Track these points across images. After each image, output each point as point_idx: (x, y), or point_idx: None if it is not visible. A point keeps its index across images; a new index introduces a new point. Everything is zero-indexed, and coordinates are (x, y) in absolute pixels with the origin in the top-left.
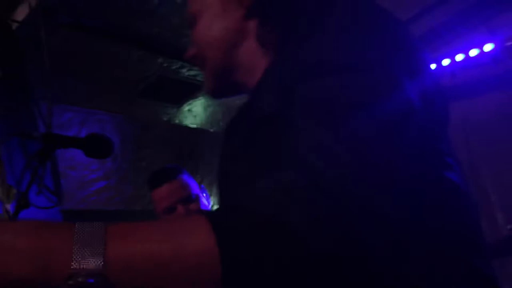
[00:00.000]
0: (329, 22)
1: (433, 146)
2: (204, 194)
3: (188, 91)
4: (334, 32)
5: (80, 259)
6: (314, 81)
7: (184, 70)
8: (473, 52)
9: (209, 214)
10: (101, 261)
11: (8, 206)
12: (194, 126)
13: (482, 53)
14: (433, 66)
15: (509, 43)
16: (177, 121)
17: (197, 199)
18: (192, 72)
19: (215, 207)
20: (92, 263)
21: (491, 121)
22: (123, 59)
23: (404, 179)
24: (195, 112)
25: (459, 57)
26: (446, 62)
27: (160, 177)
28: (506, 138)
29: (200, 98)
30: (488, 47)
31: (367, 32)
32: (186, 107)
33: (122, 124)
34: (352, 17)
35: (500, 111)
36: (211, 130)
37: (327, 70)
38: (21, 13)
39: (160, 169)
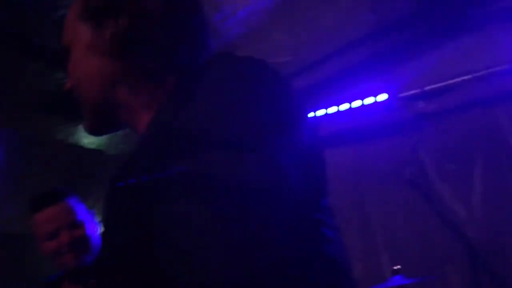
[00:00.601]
0: (205, 82)
1: (309, 218)
2: (94, 219)
3: None
4: (211, 97)
5: None
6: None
7: None
8: (368, 100)
9: None
10: None
11: None
12: (91, 147)
13: (376, 102)
14: (325, 111)
15: (402, 94)
16: (72, 141)
17: (82, 225)
18: None
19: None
20: None
21: (381, 165)
22: (18, 71)
23: (277, 263)
24: None
25: (355, 104)
26: (342, 107)
27: (44, 199)
28: (393, 181)
29: None
30: (382, 97)
31: (246, 98)
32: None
33: (11, 139)
34: (230, 77)
35: (389, 156)
36: (109, 152)
37: (198, 148)
38: None
39: (45, 191)
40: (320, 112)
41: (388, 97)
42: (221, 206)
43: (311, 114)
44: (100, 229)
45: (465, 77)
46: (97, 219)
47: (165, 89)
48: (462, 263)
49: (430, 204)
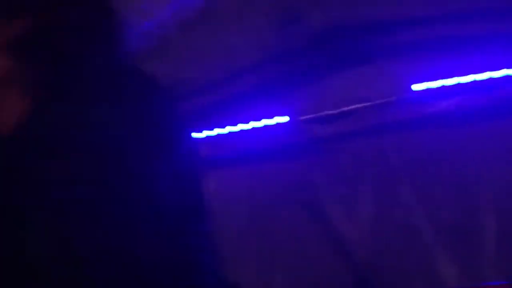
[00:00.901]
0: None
1: (181, 243)
2: None
3: None
4: None
5: None
6: None
7: None
8: (268, 122)
9: None
10: None
11: None
12: None
13: (277, 124)
14: (225, 130)
15: (302, 117)
16: None
17: None
18: None
19: None
20: None
21: (276, 186)
22: None
23: None
24: None
25: (255, 125)
26: (242, 127)
27: None
28: (287, 202)
29: None
30: (283, 119)
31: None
32: None
33: None
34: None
35: (284, 177)
36: None
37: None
38: None
39: None
40: (220, 131)
41: (290, 119)
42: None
43: (211, 133)
44: None
45: (359, 105)
46: None
47: None
48: (348, 283)
49: (320, 225)
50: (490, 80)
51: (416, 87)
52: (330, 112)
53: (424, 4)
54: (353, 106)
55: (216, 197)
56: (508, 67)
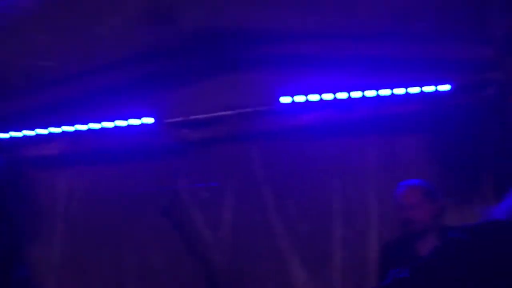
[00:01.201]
0: None
1: None
2: None
3: None
4: None
5: None
6: None
7: None
8: (133, 122)
9: None
10: None
11: None
12: None
13: (142, 124)
14: (85, 127)
15: (168, 120)
16: None
17: None
18: None
19: None
20: None
21: (137, 187)
22: None
23: None
24: None
25: (119, 123)
26: (103, 125)
27: None
28: (147, 205)
29: None
30: (148, 120)
31: None
32: None
33: None
34: None
35: (146, 179)
36: None
37: None
38: None
39: None
40: (80, 127)
41: (155, 121)
42: None
43: (68, 128)
44: None
45: (227, 112)
46: None
47: None
48: None
49: (181, 230)
50: (350, 99)
51: (283, 99)
52: (198, 116)
53: (301, 23)
54: (221, 113)
55: (72, 195)
56: (368, 89)
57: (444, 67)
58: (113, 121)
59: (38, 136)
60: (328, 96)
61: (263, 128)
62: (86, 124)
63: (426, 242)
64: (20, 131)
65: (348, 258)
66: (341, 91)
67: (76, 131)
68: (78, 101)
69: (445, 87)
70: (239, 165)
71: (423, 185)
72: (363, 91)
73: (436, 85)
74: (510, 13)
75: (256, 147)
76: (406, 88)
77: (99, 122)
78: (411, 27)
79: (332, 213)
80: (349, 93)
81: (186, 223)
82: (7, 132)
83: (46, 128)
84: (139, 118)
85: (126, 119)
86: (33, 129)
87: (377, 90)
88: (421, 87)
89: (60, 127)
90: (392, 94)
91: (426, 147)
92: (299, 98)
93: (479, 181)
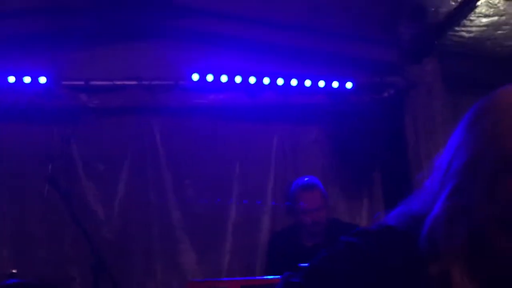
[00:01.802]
0: None
1: None
2: None
3: None
4: None
5: None
6: None
7: None
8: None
9: None
10: None
11: None
12: None
13: (33, 82)
14: None
15: (65, 82)
16: None
17: None
18: None
19: None
20: None
21: (26, 152)
22: None
23: None
24: None
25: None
26: None
27: None
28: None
29: None
30: (41, 80)
31: None
32: None
33: None
34: None
35: (36, 144)
36: None
37: None
38: None
39: None
40: None
41: (47, 81)
42: None
43: None
44: None
45: (132, 82)
46: None
47: None
48: (86, 264)
49: (67, 201)
50: (258, 84)
51: (194, 77)
52: (99, 82)
53: (218, 2)
54: (125, 82)
55: None
56: (276, 77)
57: (348, 64)
58: (5, 77)
59: None
60: (237, 79)
61: (167, 103)
62: None
63: (314, 234)
64: None
65: (239, 242)
66: (249, 75)
67: None
68: None
69: (348, 85)
70: (139, 139)
71: (321, 189)
72: (271, 78)
73: (340, 81)
74: (416, 23)
75: (158, 122)
76: (312, 81)
77: None
78: (324, 22)
79: (228, 196)
80: (258, 78)
81: (75, 194)
82: None
83: None
84: (34, 76)
85: (19, 77)
86: None
87: (285, 79)
88: (326, 82)
89: None
90: (299, 84)
91: (325, 140)
92: (209, 78)
93: (369, 180)
